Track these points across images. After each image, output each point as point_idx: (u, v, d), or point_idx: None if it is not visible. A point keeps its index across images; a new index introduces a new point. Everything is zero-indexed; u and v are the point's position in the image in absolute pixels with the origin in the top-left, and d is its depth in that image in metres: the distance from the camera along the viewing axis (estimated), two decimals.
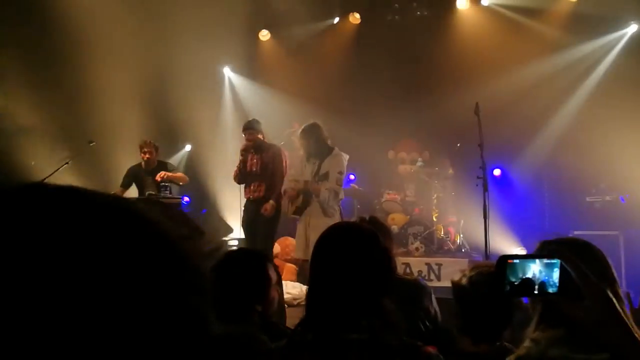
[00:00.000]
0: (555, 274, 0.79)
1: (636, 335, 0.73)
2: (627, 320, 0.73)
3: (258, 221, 4.98)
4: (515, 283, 0.80)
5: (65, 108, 6.73)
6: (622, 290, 1.41)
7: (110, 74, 6.67)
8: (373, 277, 1.31)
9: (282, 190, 5.03)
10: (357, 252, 1.33)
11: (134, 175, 5.73)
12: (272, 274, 1.94)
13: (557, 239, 1.41)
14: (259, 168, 5.11)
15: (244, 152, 5.19)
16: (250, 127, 5.18)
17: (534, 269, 0.80)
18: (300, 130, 4.92)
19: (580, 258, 1.14)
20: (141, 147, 5.69)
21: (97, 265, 0.37)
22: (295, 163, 5.26)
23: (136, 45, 6.79)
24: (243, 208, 5.36)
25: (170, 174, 5.60)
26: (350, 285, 1.29)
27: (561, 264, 0.79)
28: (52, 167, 5.51)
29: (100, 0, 6.42)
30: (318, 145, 4.76)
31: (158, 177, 5.46)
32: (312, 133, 4.76)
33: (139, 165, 5.73)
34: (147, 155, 5.66)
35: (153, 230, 0.43)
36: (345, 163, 4.81)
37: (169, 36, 7.13)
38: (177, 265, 0.43)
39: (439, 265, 5.69)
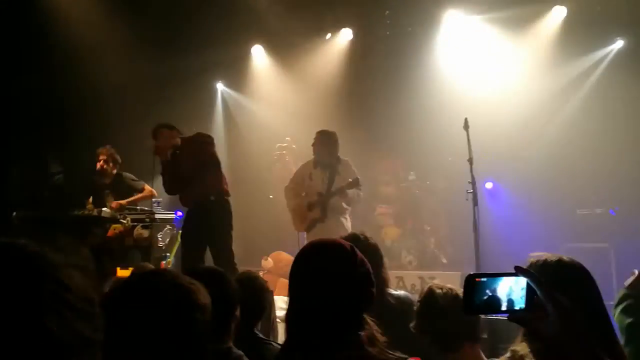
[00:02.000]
0: (522, 292, 0.82)
1: (598, 352, 0.75)
2: (589, 338, 0.76)
3: (204, 226, 4.38)
4: (483, 300, 0.82)
5: (57, 122, 6.74)
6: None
7: (103, 89, 6.70)
8: (353, 292, 1.31)
9: (292, 209, 5.01)
10: (334, 268, 1.32)
11: (94, 186, 5.30)
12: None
13: (544, 257, 1.46)
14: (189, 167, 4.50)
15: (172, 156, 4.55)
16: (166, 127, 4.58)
17: (502, 287, 0.83)
18: (321, 133, 4.88)
19: (558, 277, 1.18)
20: (97, 154, 5.24)
21: None
22: (287, 176, 5.27)
23: (129, 60, 6.82)
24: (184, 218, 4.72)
25: (124, 202, 5.15)
26: (331, 301, 1.28)
27: (528, 282, 0.82)
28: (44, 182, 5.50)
29: (94, 14, 6.45)
30: (332, 156, 4.83)
31: (114, 206, 5.06)
32: (331, 140, 4.83)
33: (97, 175, 5.29)
34: (101, 164, 5.20)
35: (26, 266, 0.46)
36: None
37: (162, 51, 7.18)
38: (52, 296, 0.45)
39: (432, 278, 5.69)
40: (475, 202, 4.31)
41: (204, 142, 4.50)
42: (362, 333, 1.29)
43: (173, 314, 1.10)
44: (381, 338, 1.30)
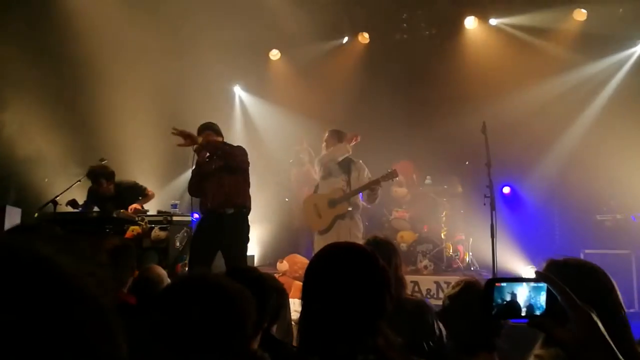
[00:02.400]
0: (542, 297, 0.81)
1: (622, 357, 0.74)
2: (611, 344, 0.74)
3: (225, 235, 4.33)
4: (503, 305, 0.82)
5: (78, 127, 6.85)
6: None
7: (122, 93, 6.79)
8: (370, 297, 1.29)
9: (312, 204, 5.08)
10: (352, 273, 1.30)
11: (95, 199, 5.32)
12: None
13: (564, 259, 1.42)
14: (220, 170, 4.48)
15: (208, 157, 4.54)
16: (209, 128, 4.61)
17: (522, 292, 0.82)
18: (329, 134, 5.04)
19: (578, 282, 1.17)
20: (90, 177, 5.23)
21: None
22: (304, 178, 5.31)
23: (148, 65, 6.92)
24: (198, 222, 4.68)
25: (137, 205, 5.22)
26: (347, 306, 1.26)
27: (548, 287, 0.81)
28: (64, 184, 5.59)
29: (113, 21, 6.55)
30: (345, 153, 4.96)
31: (131, 211, 5.12)
32: (339, 137, 4.97)
33: (96, 188, 5.31)
34: (96, 187, 5.23)
35: (45, 273, 0.42)
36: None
37: (181, 55, 7.27)
38: (69, 307, 0.41)
39: (448, 283, 5.65)
40: (492, 207, 4.26)
41: (244, 155, 4.51)
42: (379, 339, 1.28)
43: (227, 318, 1.10)
44: (397, 342, 1.29)
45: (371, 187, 4.80)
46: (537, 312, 0.81)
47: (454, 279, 5.74)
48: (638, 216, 6.03)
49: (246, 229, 4.48)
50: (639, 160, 6.06)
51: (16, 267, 0.41)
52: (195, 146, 4.42)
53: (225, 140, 4.69)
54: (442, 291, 5.61)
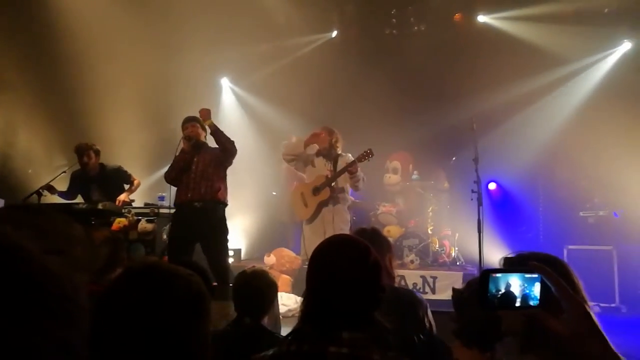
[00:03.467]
0: (536, 288, 0.82)
1: (613, 349, 0.75)
2: (604, 336, 0.76)
3: (203, 230, 4.31)
4: (498, 296, 0.83)
5: (63, 118, 6.75)
6: None
7: (108, 85, 6.70)
8: (363, 290, 1.33)
9: (299, 193, 5.16)
10: (348, 265, 1.35)
11: (79, 182, 5.26)
12: None
13: (517, 254, 1.44)
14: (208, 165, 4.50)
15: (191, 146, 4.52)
16: (195, 120, 4.60)
17: (515, 283, 0.83)
18: (323, 127, 5.19)
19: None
20: (78, 152, 5.16)
21: None
22: (293, 173, 5.36)
23: (134, 57, 6.83)
24: (174, 214, 4.55)
25: (124, 197, 5.18)
26: (340, 297, 1.31)
27: (542, 278, 0.82)
28: (49, 175, 5.52)
29: (99, 13, 6.46)
30: (333, 147, 5.11)
31: (119, 204, 5.08)
32: (330, 133, 5.11)
33: (81, 170, 5.24)
34: (85, 160, 5.14)
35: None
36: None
37: (168, 47, 7.19)
38: (31, 291, 0.38)
39: (434, 278, 5.70)
40: (480, 202, 4.31)
41: (232, 152, 4.51)
42: (363, 332, 1.29)
43: (183, 304, 1.07)
44: (386, 338, 1.31)
45: (349, 170, 4.88)
46: (531, 303, 0.82)
47: (440, 273, 5.82)
48: (620, 213, 6.14)
49: (225, 222, 4.48)
50: (623, 157, 6.16)
51: None
52: (187, 133, 4.47)
53: (206, 135, 4.70)
54: (429, 285, 5.66)
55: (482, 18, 7.40)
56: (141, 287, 1.04)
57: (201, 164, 4.47)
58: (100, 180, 5.24)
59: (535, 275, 0.82)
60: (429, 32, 7.45)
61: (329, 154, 5.14)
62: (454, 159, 6.57)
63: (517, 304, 0.82)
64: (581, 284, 1.25)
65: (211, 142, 4.61)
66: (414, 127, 6.99)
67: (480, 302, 0.82)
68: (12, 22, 6.28)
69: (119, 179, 5.36)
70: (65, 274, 0.41)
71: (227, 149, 4.44)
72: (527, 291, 0.82)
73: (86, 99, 6.75)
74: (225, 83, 8.69)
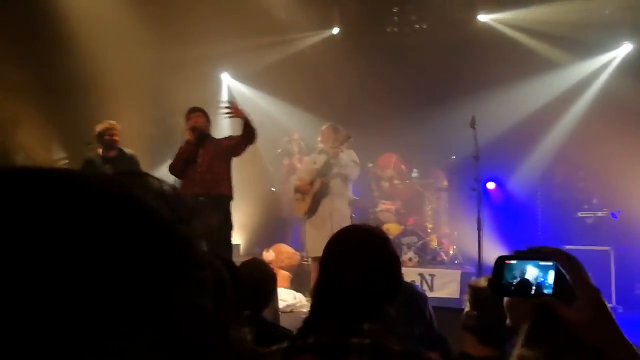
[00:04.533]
0: (550, 276, 0.82)
1: (626, 338, 0.76)
2: (617, 325, 0.76)
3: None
4: (513, 283, 0.83)
5: (63, 109, 6.73)
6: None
7: (108, 79, 6.69)
8: (382, 281, 1.31)
9: (294, 188, 5.24)
10: (368, 255, 1.32)
11: (91, 167, 5.05)
12: None
13: (540, 247, 1.44)
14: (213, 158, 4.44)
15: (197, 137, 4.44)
16: (200, 110, 4.58)
17: (530, 271, 0.83)
18: (324, 127, 5.26)
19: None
20: (109, 130, 5.06)
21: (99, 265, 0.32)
22: (293, 169, 5.39)
23: (135, 49, 6.82)
24: None
25: None
26: (359, 287, 1.29)
27: (556, 266, 0.82)
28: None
29: (101, 3, 6.45)
30: (335, 144, 5.14)
31: None
32: (334, 131, 5.17)
33: (95, 154, 5.15)
34: (115, 138, 5.05)
35: (156, 224, 0.36)
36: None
37: (169, 40, 7.17)
38: (186, 264, 0.37)
39: (432, 276, 5.72)
40: (479, 201, 4.31)
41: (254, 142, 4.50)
42: (381, 324, 1.29)
43: None
44: (399, 331, 1.31)
45: (332, 156, 5.00)
46: (546, 291, 0.82)
47: (438, 271, 5.83)
48: (618, 214, 6.16)
49: (231, 217, 4.46)
50: (621, 159, 6.18)
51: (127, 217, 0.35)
52: (191, 125, 4.43)
53: (211, 126, 4.71)
54: (427, 283, 5.67)
55: (483, 17, 7.39)
56: None
57: (207, 157, 4.38)
58: (116, 162, 5.07)
59: (550, 264, 0.82)
60: (430, 30, 7.44)
61: (328, 151, 5.18)
62: (453, 157, 6.58)
63: (532, 292, 0.82)
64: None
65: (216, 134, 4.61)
66: (414, 125, 6.99)
67: (494, 289, 0.82)
68: (10, 17, 6.25)
69: (132, 166, 5.19)
70: (199, 244, 0.40)
71: (252, 139, 4.42)
72: (542, 279, 0.82)
73: (85, 91, 6.74)
74: (225, 78, 8.67)
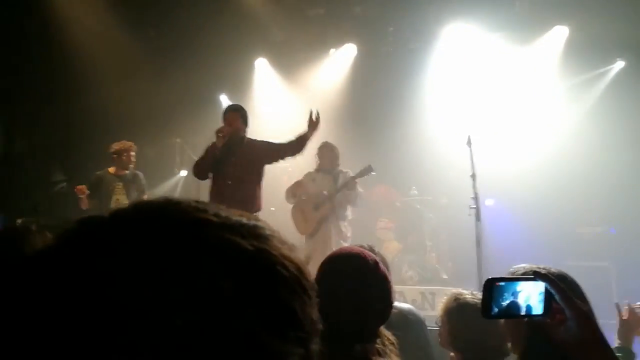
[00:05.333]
0: (540, 297, 0.83)
1: (616, 356, 0.76)
2: (608, 344, 0.77)
3: None
4: (502, 305, 0.83)
5: (61, 132, 6.77)
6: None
7: (107, 99, 6.74)
8: (371, 303, 1.32)
9: (294, 211, 5.22)
10: (357, 278, 1.33)
11: (102, 184, 5.19)
12: None
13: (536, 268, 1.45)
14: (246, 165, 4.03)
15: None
16: (237, 109, 4.17)
17: (520, 292, 0.84)
18: (324, 143, 5.22)
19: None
20: (127, 151, 5.19)
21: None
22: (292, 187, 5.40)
23: (134, 71, 6.88)
24: None
25: None
26: (348, 310, 1.29)
27: (546, 287, 0.83)
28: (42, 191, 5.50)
29: (99, 25, 6.52)
30: (333, 164, 5.20)
31: None
32: (334, 151, 5.21)
33: (105, 171, 5.25)
34: (132, 158, 5.20)
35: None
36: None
37: (166, 62, 7.24)
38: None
39: (433, 294, 5.69)
40: (478, 218, 4.32)
41: (286, 154, 4.15)
42: (373, 344, 1.30)
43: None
44: (392, 352, 1.31)
45: (348, 186, 4.96)
46: (536, 312, 0.82)
47: (438, 289, 5.80)
48: (617, 229, 6.16)
49: None
50: (619, 174, 6.21)
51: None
52: (222, 130, 3.95)
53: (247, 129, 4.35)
54: (428, 302, 5.64)
55: (478, 35, 7.47)
56: None
57: (239, 168, 3.98)
58: (126, 180, 5.19)
59: (540, 284, 0.83)
60: (425, 49, 7.52)
61: (330, 170, 5.19)
62: (451, 174, 6.59)
63: (522, 313, 0.82)
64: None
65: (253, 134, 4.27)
66: (411, 143, 7.03)
67: (484, 311, 0.83)
68: (11, 47, 6.31)
69: (140, 185, 5.33)
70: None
71: (299, 152, 4.12)
72: (532, 300, 0.83)
73: (83, 114, 6.78)
74: (223, 100, 8.73)
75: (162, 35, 6.99)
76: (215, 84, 8.25)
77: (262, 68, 8.29)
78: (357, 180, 5.00)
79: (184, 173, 7.94)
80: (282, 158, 4.14)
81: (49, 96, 6.62)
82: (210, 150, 4.03)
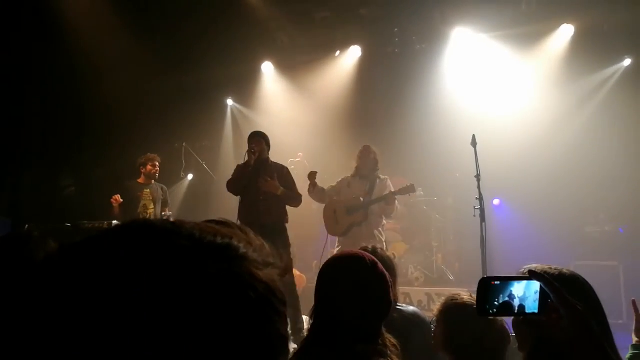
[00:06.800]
0: (535, 296, 0.84)
1: (612, 355, 0.77)
2: (603, 343, 0.77)
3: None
4: (497, 303, 0.85)
5: (69, 136, 6.83)
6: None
7: (115, 104, 6.80)
8: (371, 304, 1.35)
9: (327, 212, 5.13)
10: (355, 280, 1.37)
11: (131, 193, 5.48)
12: None
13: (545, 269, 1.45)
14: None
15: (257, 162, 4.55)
16: (261, 136, 4.71)
17: (515, 291, 0.85)
18: (363, 148, 5.17)
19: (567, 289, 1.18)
20: (154, 163, 5.56)
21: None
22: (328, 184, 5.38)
23: (141, 76, 6.94)
24: None
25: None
26: (348, 312, 1.33)
27: (540, 286, 0.84)
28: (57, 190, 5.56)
29: (108, 31, 6.57)
30: (372, 169, 5.07)
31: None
32: (372, 155, 5.09)
33: (134, 181, 5.56)
34: (158, 170, 5.57)
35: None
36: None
37: (173, 67, 7.30)
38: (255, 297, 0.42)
39: (440, 295, 5.66)
40: (483, 219, 4.31)
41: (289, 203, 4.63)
42: (374, 345, 1.32)
43: None
44: (393, 352, 1.33)
45: (387, 200, 4.85)
46: (530, 311, 0.84)
47: (445, 290, 5.78)
48: (626, 228, 6.12)
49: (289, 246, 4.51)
50: (627, 173, 6.16)
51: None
52: (254, 148, 4.51)
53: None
54: (434, 303, 5.63)
55: (483, 36, 7.45)
56: None
57: (262, 190, 4.46)
58: (152, 189, 5.54)
59: (536, 283, 0.84)
60: (430, 50, 7.52)
61: (367, 175, 5.07)
62: (457, 175, 6.58)
63: (517, 311, 0.84)
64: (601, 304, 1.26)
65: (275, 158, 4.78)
66: (417, 144, 7.02)
67: (479, 310, 0.84)
68: (24, 44, 6.39)
69: (164, 195, 5.71)
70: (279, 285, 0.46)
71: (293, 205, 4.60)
72: (527, 299, 0.84)
73: (91, 117, 6.84)
74: (230, 103, 8.78)
75: (169, 40, 7.04)
76: (222, 88, 8.31)
77: (269, 72, 8.32)
78: (397, 195, 4.90)
79: (190, 177, 8.01)
80: (289, 203, 4.61)
81: (56, 100, 6.69)
82: (240, 169, 4.54)
